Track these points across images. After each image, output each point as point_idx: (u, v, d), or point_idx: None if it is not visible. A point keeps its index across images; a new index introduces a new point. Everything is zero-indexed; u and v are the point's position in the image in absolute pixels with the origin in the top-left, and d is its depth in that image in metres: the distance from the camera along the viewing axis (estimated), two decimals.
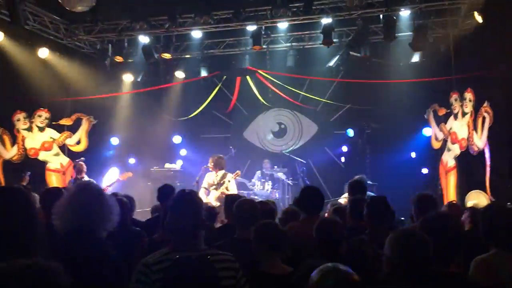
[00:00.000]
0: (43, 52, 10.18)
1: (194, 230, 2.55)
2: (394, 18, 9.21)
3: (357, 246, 3.49)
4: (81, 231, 2.59)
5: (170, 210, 2.65)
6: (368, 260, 3.19)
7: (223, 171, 8.79)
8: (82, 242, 2.58)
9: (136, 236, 3.99)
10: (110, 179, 9.88)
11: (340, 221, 3.46)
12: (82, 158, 9.58)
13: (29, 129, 10.77)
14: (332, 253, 3.12)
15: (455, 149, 9.47)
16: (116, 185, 9.50)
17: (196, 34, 10.51)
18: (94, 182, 7.17)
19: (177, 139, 12.48)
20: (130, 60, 11.22)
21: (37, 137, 10.83)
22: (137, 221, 5.09)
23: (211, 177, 8.79)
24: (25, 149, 10.72)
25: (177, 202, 2.65)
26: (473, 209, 5.07)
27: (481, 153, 8.64)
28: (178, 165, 11.95)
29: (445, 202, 9.15)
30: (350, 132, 11.65)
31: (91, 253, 2.55)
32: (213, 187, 8.68)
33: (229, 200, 4.58)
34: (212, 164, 8.81)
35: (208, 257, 2.51)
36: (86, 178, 9.24)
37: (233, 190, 8.54)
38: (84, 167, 9.28)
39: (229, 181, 8.60)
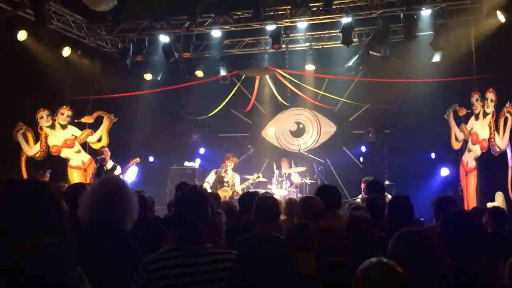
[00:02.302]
0: (66, 51, 10.37)
1: (198, 227, 2.50)
2: (415, 17, 9.14)
3: (376, 244, 3.51)
4: (104, 223, 2.63)
5: (175, 206, 2.62)
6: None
7: (231, 171, 9.31)
8: (105, 234, 2.63)
9: (159, 232, 4.03)
10: (130, 175, 10.00)
11: (370, 219, 3.46)
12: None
13: (52, 126, 11.00)
14: (363, 249, 3.11)
15: (476, 150, 9.36)
16: (135, 177, 9.67)
17: (216, 33, 10.58)
18: (117, 176, 7.31)
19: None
20: (150, 59, 11.35)
21: (60, 135, 11.05)
22: (159, 217, 5.15)
23: (222, 174, 9.08)
24: (47, 146, 10.95)
25: (183, 198, 2.62)
26: (494, 209, 5.02)
27: (503, 153, 8.53)
28: (196, 163, 12.04)
29: (466, 203, 9.12)
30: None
31: (114, 246, 2.58)
32: (220, 185, 8.99)
33: (246, 198, 4.62)
34: (232, 163, 9.15)
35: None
36: (110, 163, 9.45)
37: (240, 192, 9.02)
38: (108, 153, 9.47)
39: (240, 187, 9.22)
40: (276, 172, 10.90)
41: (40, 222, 1.84)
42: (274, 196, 4.29)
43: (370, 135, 11.53)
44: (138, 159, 9.74)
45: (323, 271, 2.93)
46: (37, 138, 10.93)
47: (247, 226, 4.02)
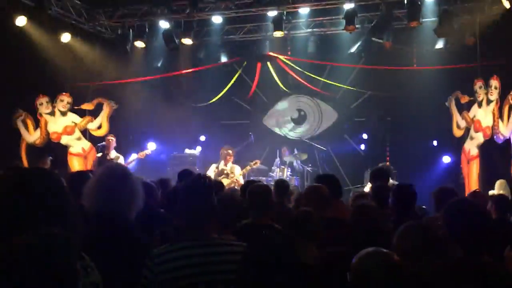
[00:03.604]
0: (66, 37, 10.25)
1: (205, 217, 2.46)
2: (419, 3, 9.03)
3: (382, 234, 3.48)
4: (109, 212, 2.61)
5: (181, 196, 2.56)
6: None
7: (231, 163, 9.39)
8: (110, 223, 2.60)
9: (163, 220, 4.01)
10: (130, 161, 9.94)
11: (376, 207, 3.43)
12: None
13: (52, 113, 10.94)
14: (369, 240, 3.09)
15: (479, 138, 9.33)
16: (134, 164, 9.60)
17: (217, 19, 10.46)
18: (122, 163, 7.26)
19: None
20: (150, 45, 11.23)
21: (60, 121, 10.99)
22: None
23: (221, 167, 9.10)
24: (47, 133, 10.90)
25: (189, 188, 2.56)
26: (498, 197, 4.99)
27: (507, 141, 8.50)
28: (197, 151, 11.99)
29: (467, 191, 9.09)
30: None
31: (121, 234, 2.56)
32: (222, 176, 9.00)
33: (246, 186, 4.59)
34: (230, 155, 9.19)
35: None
36: (114, 153, 9.38)
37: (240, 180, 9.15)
38: (113, 143, 9.37)
39: (239, 173, 9.26)
40: (277, 159, 10.88)
41: (47, 211, 1.81)
42: (267, 184, 4.25)
43: (371, 123, 11.48)
44: (149, 151, 9.67)
45: (326, 259, 2.91)
46: (37, 125, 10.87)
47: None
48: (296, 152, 11.12)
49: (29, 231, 1.47)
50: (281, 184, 5.38)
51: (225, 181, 9.01)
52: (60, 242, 1.44)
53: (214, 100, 12.21)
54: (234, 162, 9.62)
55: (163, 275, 2.34)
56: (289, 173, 10.70)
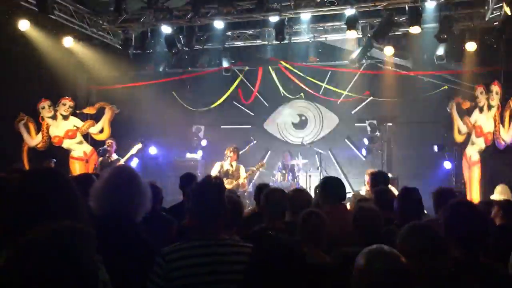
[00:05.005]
0: (68, 41, 10.29)
1: (216, 217, 2.49)
2: (420, 9, 9.06)
3: (385, 237, 3.49)
4: (116, 214, 2.61)
5: (193, 195, 2.58)
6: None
7: (235, 163, 9.23)
8: (117, 225, 2.60)
9: (167, 222, 4.02)
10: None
11: (378, 210, 3.45)
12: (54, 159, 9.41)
13: (54, 117, 10.96)
14: (370, 242, 3.11)
15: (480, 143, 9.35)
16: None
17: (219, 24, 10.49)
18: (129, 165, 7.28)
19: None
20: (152, 51, 11.27)
21: (61, 125, 11.01)
22: (164, 207, 5.14)
23: (226, 166, 9.02)
24: (49, 137, 10.92)
25: (201, 187, 2.58)
26: (503, 202, 4.97)
27: (508, 147, 8.51)
28: (198, 155, 12.01)
29: (468, 196, 9.10)
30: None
31: (127, 236, 2.56)
32: (225, 177, 8.94)
33: (260, 189, 4.59)
34: (235, 154, 9.10)
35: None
36: (114, 156, 9.43)
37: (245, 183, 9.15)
38: (113, 146, 9.46)
39: (244, 176, 9.11)
40: (279, 164, 10.90)
41: (57, 210, 1.83)
42: (283, 189, 4.27)
43: (372, 128, 11.51)
44: (140, 145, 9.69)
45: (337, 261, 2.92)
46: (38, 129, 10.88)
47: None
48: (297, 157, 11.15)
49: (46, 224, 1.48)
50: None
51: (230, 183, 8.93)
52: (80, 232, 1.45)
53: (215, 105, 12.25)
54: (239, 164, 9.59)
55: (173, 273, 2.36)
56: (290, 177, 10.72)
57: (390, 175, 9.95)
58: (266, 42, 11.09)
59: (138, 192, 2.67)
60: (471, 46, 9.33)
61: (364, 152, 11.93)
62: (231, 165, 9.15)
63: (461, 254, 2.60)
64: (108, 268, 2.02)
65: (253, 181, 11.44)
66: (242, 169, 9.23)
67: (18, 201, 1.85)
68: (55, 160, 9.43)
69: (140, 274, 2.46)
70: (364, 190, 7.98)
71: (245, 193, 9.29)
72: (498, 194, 7.31)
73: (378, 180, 5.52)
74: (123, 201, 2.61)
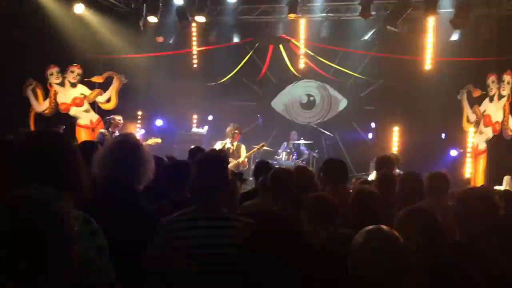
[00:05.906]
0: (79, 8, 10.21)
1: (217, 191, 2.50)
2: None
3: (385, 220, 3.48)
4: (117, 182, 2.62)
5: (196, 168, 2.59)
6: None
7: (236, 143, 9.16)
8: (118, 192, 2.61)
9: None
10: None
11: (377, 192, 3.44)
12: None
13: (62, 84, 10.96)
14: (367, 224, 3.11)
15: (488, 132, 9.28)
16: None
17: None
18: (133, 135, 7.26)
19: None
20: (163, 22, 11.17)
21: (69, 93, 11.02)
22: None
23: (227, 145, 9.00)
24: (56, 103, 10.93)
25: (202, 161, 2.59)
26: (505, 193, 4.95)
27: None
28: (204, 130, 11.99)
29: (473, 185, 9.06)
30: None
31: (127, 202, 2.58)
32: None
33: (260, 167, 4.57)
34: (238, 135, 9.06)
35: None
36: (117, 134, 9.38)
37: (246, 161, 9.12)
38: (120, 123, 9.29)
39: (245, 155, 9.08)
40: (285, 143, 10.87)
41: (57, 172, 1.83)
42: (290, 169, 4.23)
43: (381, 112, 11.42)
44: (159, 140, 9.62)
45: (332, 242, 2.92)
46: (46, 95, 10.89)
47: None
48: (303, 137, 11.11)
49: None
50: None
51: (230, 162, 8.98)
52: (40, 200, 1.41)
53: (223, 80, 12.15)
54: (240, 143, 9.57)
55: (173, 242, 2.38)
56: (295, 157, 10.70)
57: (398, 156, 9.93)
58: (279, 19, 10.95)
59: (141, 161, 2.67)
60: (486, 34, 9.17)
61: (370, 135, 11.86)
62: (232, 145, 9.09)
63: (460, 237, 2.62)
64: (108, 235, 2.03)
65: (256, 159, 11.43)
66: (243, 148, 9.13)
67: (21, 161, 1.86)
68: (64, 127, 9.44)
69: (138, 241, 2.48)
70: (373, 175, 7.93)
71: (248, 170, 9.29)
72: (505, 185, 7.29)
73: (382, 163, 5.50)
74: (125, 169, 2.61)
